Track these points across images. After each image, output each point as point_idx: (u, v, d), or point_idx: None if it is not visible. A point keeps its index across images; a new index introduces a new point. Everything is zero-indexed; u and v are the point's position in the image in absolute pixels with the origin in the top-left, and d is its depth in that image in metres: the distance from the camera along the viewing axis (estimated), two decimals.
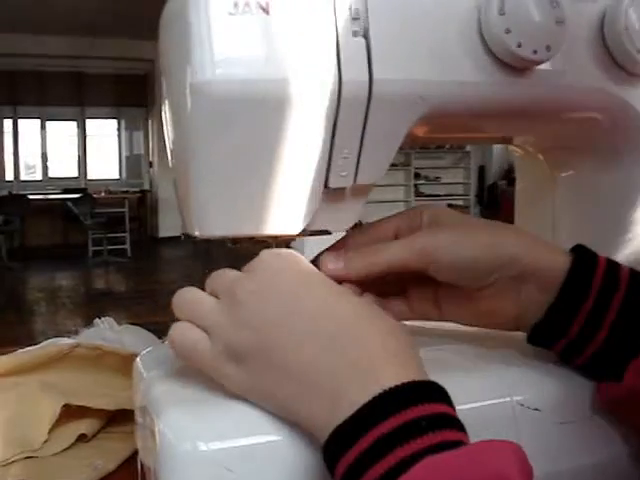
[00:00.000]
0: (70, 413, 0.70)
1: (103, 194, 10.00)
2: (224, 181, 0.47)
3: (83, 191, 9.82)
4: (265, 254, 0.47)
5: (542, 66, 0.51)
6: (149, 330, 0.99)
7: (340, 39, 0.46)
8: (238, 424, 0.44)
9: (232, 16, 0.44)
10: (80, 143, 11.12)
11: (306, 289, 0.45)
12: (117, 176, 11.55)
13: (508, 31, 0.49)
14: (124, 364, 0.74)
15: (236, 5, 0.44)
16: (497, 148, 10.79)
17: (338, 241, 0.55)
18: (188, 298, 0.48)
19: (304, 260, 0.48)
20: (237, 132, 0.45)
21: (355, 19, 0.46)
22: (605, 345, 0.49)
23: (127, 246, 9.31)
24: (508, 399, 0.49)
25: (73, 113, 10.93)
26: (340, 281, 0.52)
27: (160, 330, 0.97)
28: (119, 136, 11.60)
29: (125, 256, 9.19)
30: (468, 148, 11.11)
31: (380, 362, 0.41)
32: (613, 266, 0.50)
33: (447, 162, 11.28)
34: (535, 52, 0.49)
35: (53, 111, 10.74)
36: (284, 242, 0.54)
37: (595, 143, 0.61)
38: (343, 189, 0.51)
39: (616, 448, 0.52)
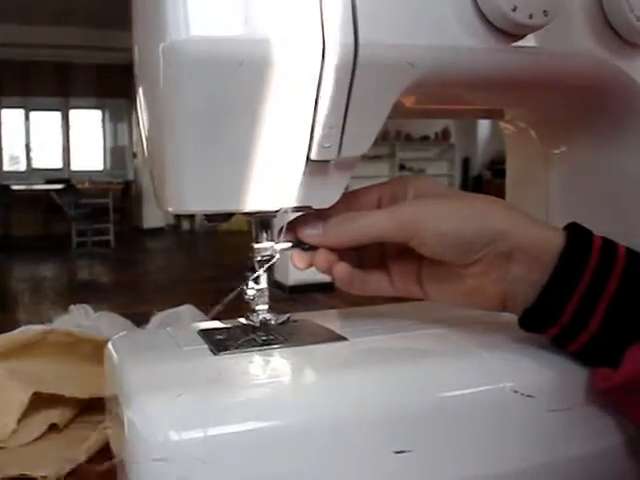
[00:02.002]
0: (41, 402, 0.67)
1: (87, 185, 9.94)
2: (199, 151, 0.44)
3: (67, 182, 9.75)
4: None
5: (538, 32, 0.49)
6: (132, 321, 0.95)
7: None
8: (212, 413, 0.42)
9: None
10: (64, 134, 11.04)
11: None
12: (101, 167, 11.47)
13: None
14: (98, 351, 0.70)
15: None
16: (482, 140, 10.83)
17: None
18: None
19: None
20: (212, 97, 0.42)
21: None
22: (600, 331, 0.47)
23: (111, 237, 9.25)
24: (500, 385, 0.47)
25: (57, 103, 10.85)
26: (317, 248, 0.51)
27: (142, 320, 0.94)
28: (103, 127, 11.52)
29: (109, 247, 9.13)
30: (453, 140, 11.16)
31: None
32: (609, 245, 0.48)
33: (432, 154, 11.31)
34: (531, 17, 0.46)
35: (37, 101, 10.65)
36: (263, 219, 0.51)
37: (591, 116, 0.59)
38: (327, 162, 0.47)
39: (610, 437, 0.50)
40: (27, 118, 10.77)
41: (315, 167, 0.47)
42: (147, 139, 0.50)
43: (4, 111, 10.57)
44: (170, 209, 0.47)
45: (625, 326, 0.47)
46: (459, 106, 0.62)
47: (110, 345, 0.54)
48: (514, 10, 0.46)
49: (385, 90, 0.46)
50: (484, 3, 0.47)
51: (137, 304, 4.79)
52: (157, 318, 0.96)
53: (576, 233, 0.48)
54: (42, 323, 0.84)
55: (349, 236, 0.50)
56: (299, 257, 0.52)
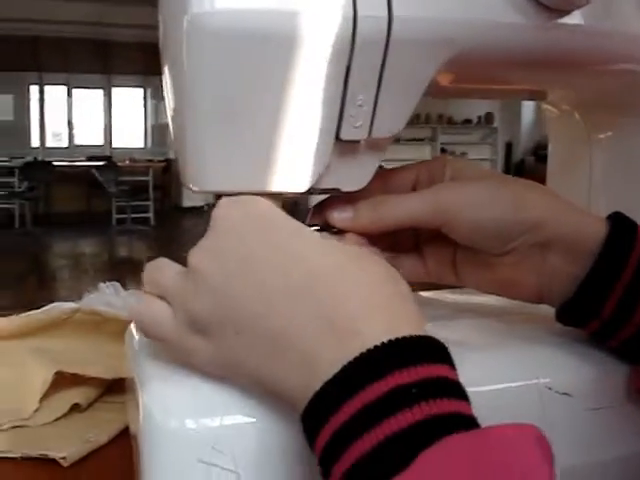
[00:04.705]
0: (64, 381, 0.66)
1: (128, 162, 10.02)
2: (223, 128, 0.42)
3: (108, 159, 9.84)
4: (220, 203, 0.42)
5: (585, 9, 0.46)
6: None
7: None
8: (230, 401, 0.40)
9: None
10: (106, 111, 11.13)
11: (269, 236, 0.39)
12: (142, 145, 11.56)
13: None
14: (124, 330, 0.70)
15: None
16: (526, 124, 10.68)
17: None
18: (152, 269, 0.43)
19: (270, 205, 0.41)
20: (237, 72, 0.40)
21: None
22: None
23: (150, 214, 9.33)
24: (535, 381, 0.45)
25: (99, 81, 10.93)
26: (345, 232, 0.48)
27: None
28: (145, 105, 11.58)
29: (148, 224, 9.21)
30: (496, 124, 11.02)
31: (363, 317, 0.35)
32: None
33: (474, 138, 11.22)
34: None
35: (80, 79, 10.74)
36: (289, 201, 0.49)
37: (638, 100, 0.55)
38: (357, 142, 0.45)
39: None
40: (70, 95, 10.87)
41: (344, 147, 0.45)
42: (171, 117, 0.48)
43: (47, 88, 10.68)
44: (192, 187, 0.45)
45: None
46: (498, 86, 0.59)
47: (132, 326, 0.53)
48: None
49: (420, 67, 0.44)
50: None
51: None
52: None
53: (619, 224, 0.46)
54: (79, 299, 0.83)
55: (380, 221, 0.48)
56: None
